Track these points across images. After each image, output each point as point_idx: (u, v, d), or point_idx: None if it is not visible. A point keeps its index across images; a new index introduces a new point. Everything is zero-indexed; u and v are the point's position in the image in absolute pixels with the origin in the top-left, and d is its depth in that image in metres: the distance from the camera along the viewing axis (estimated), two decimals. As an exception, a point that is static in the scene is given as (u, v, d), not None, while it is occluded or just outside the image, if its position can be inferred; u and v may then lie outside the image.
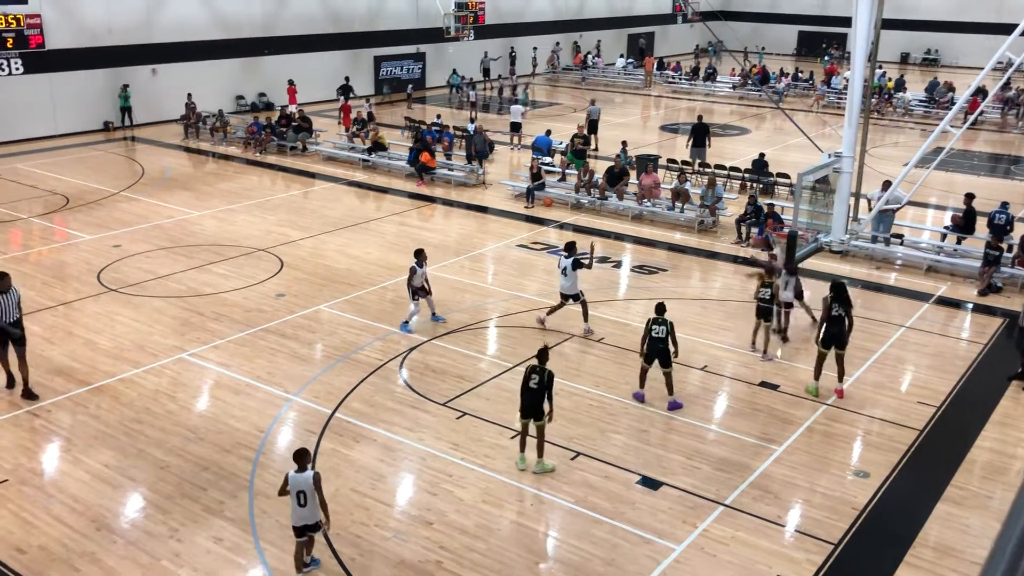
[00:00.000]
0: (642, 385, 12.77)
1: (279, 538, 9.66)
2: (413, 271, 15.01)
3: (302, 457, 8.79)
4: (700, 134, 26.97)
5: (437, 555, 9.43)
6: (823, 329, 12.90)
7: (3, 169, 26.16)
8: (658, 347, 12.37)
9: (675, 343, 12.45)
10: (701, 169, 25.01)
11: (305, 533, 8.90)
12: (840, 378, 13.07)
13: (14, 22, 28.35)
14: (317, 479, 8.73)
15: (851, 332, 12.94)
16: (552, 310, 15.21)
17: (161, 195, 23.76)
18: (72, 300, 16.35)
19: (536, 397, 10.74)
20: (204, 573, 9.12)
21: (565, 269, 14.72)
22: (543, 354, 11.07)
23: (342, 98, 33.77)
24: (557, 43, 49.64)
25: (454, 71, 41.84)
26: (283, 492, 8.90)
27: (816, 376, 13.10)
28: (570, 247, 15.01)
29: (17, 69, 28.82)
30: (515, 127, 30.78)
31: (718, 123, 36.52)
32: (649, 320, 12.51)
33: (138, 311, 15.89)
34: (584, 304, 14.99)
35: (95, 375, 13.43)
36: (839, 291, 12.89)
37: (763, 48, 54.61)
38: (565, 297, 14.92)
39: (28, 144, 29.30)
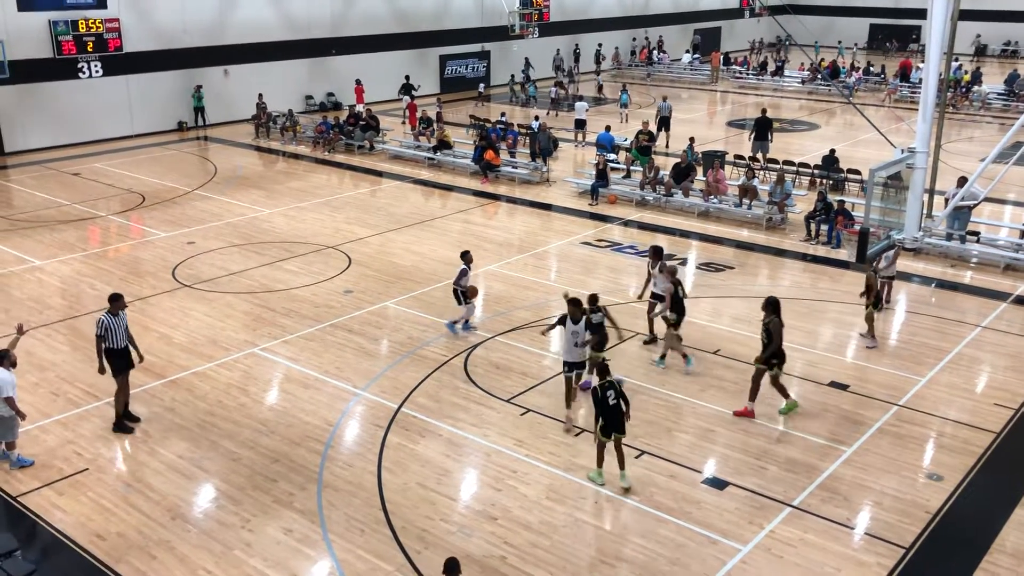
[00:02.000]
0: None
1: (347, 530, 9.83)
2: (464, 273, 14.85)
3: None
4: (763, 128, 26.69)
5: (501, 550, 9.49)
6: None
7: (83, 168, 27.07)
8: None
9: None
10: (764, 163, 24.64)
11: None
12: (751, 397, 12.23)
13: (95, 26, 29.28)
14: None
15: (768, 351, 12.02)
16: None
17: (233, 193, 24.32)
18: (148, 295, 16.84)
19: (618, 412, 10.42)
20: (274, 563, 9.33)
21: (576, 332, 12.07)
22: (605, 369, 10.60)
23: (406, 97, 34.11)
24: (634, 39, 49.22)
25: (526, 68, 42.07)
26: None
27: (751, 397, 12.25)
28: (593, 299, 12.84)
29: (97, 72, 29.77)
30: (579, 124, 30.73)
31: (787, 118, 35.91)
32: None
33: (211, 306, 16.30)
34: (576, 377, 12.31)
35: (170, 368, 13.82)
36: (772, 307, 12.05)
37: (853, 45, 53.52)
38: (569, 365, 12.17)
39: (106, 144, 30.25)
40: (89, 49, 29.34)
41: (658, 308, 14.16)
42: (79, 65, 29.28)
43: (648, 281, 14.54)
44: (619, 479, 10.58)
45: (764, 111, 27.74)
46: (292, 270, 18.19)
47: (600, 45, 47.90)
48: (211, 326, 15.43)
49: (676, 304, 13.63)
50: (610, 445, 10.62)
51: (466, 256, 15.10)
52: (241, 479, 10.86)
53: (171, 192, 24.36)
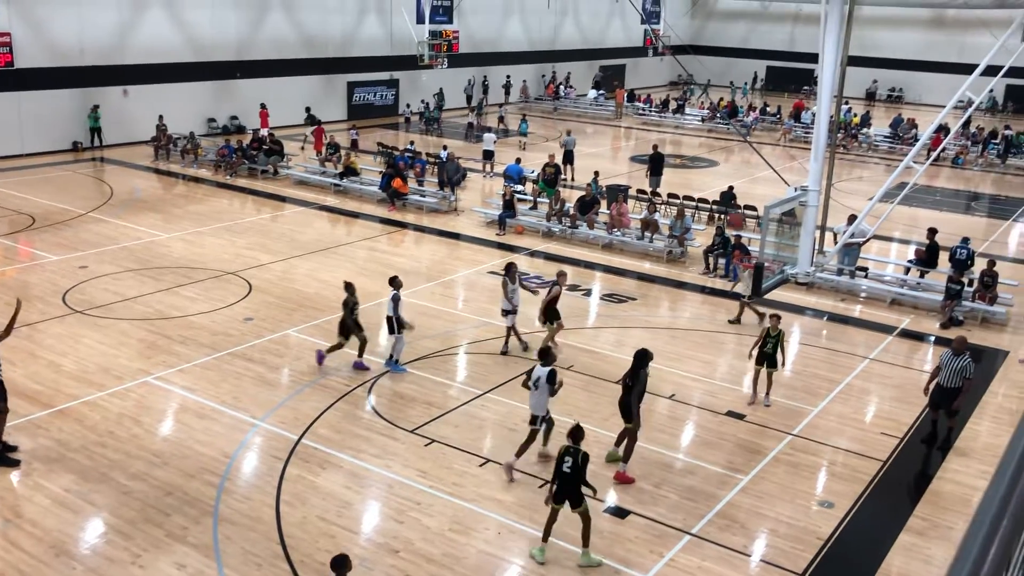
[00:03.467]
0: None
1: (243, 564, 9.54)
2: (397, 300, 14.39)
3: (339, 566, 8.01)
4: (657, 163, 27.66)
5: (403, 583, 9.36)
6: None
7: (-32, 187, 25.83)
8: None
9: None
10: (661, 197, 25.45)
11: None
12: (625, 459, 11.66)
13: (-17, 40, 28.12)
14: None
15: (635, 404, 11.52)
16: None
17: (130, 216, 23.57)
18: (36, 321, 16.13)
19: (570, 482, 9.67)
20: (166, 600, 8.98)
21: (538, 381, 11.55)
22: (577, 433, 9.76)
23: (310, 127, 33.76)
24: (543, 75, 50.11)
25: (437, 97, 42.39)
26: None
27: (617, 443, 11.99)
28: (544, 353, 11.92)
29: (-15, 87, 28.56)
30: (488, 155, 30.99)
31: (687, 155, 36.97)
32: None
33: (104, 333, 15.71)
34: (549, 428, 11.97)
35: (58, 398, 13.23)
36: (637, 359, 11.51)
37: (743, 84, 55.56)
38: (534, 419, 11.66)
39: (-6, 163, 28.99)
40: (-23, 63, 28.17)
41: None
42: (-34, 80, 28.07)
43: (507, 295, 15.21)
44: (579, 556, 9.82)
45: (655, 147, 28.72)
46: (190, 296, 17.70)
47: (508, 77, 48.55)
48: (103, 354, 14.86)
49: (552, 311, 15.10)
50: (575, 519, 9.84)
51: (395, 282, 14.65)
52: (132, 513, 10.44)
53: (64, 214, 23.45)
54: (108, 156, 31.27)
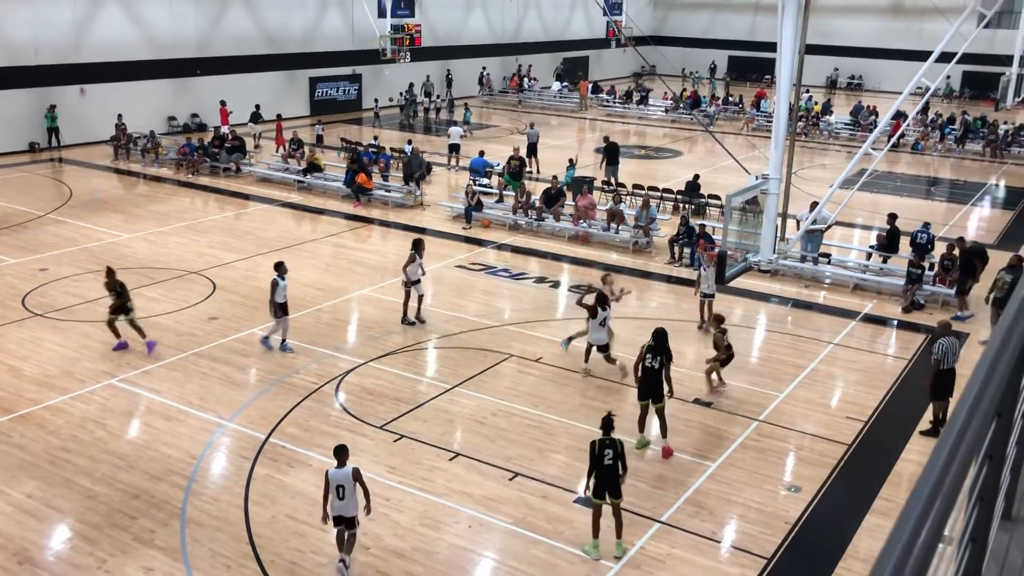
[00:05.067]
0: None
1: (211, 566, 9.47)
2: (276, 284, 14.68)
3: (341, 453, 9.29)
4: (612, 153, 27.80)
5: (374, 580, 9.34)
6: (638, 382, 12.04)
7: (-78, 191, 25.29)
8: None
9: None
10: (626, 188, 25.51)
11: (341, 524, 9.32)
12: (664, 433, 12.13)
13: (-66, 40, 27.53)
14: (357, 473, 9.24)
15: (671, 385, 12.05)
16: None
17: (90, 217, 23.23)
18: (-5, 326, 15.86)
19: (613, 473, 9.68)
20: (134, 605, 8.88)
21: (605, 320, 13.94)
22: (609, 423, 9.85)
23: (252, 124, 33.28)
24: (483, 68, 50.11)
25: (411, 87, 42.39)
26: (326, 493, 9.27)
27: (640, 428, 12.19)
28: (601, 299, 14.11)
29: (-63, 88, 27.96)
30: (453, 148, 30.91)
31: (651, 146, 37.13)
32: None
33: (65, 336, 15.47)
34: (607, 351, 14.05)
35: (19, 403, 13.01)
36: (657, 340, 11.89)
37: (709, 74, 55.86)
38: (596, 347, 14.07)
39: (-51, 165, 28.40)
40: (-71, 64, 27.57)
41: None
42: (-83, 81, 27.46)
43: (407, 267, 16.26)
44: (614, 548, 9.88)
45: (607, 138, 28.91)
46: (153, 297, 17.48)
47: (484, 68, 48.69)
48: (65, 357, 14.64)
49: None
50: (607, 510, 9.88)
51: (279, 267, 14.89)
52: (98, 517, 10.31)
53: (22, 216, 23.05)
54: (66, 156, 30.77)
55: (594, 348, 14.16)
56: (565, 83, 51.84)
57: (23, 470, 11.26)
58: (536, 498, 10.90)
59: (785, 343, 16.27)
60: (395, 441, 12.22)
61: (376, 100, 41.35)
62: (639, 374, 12.01)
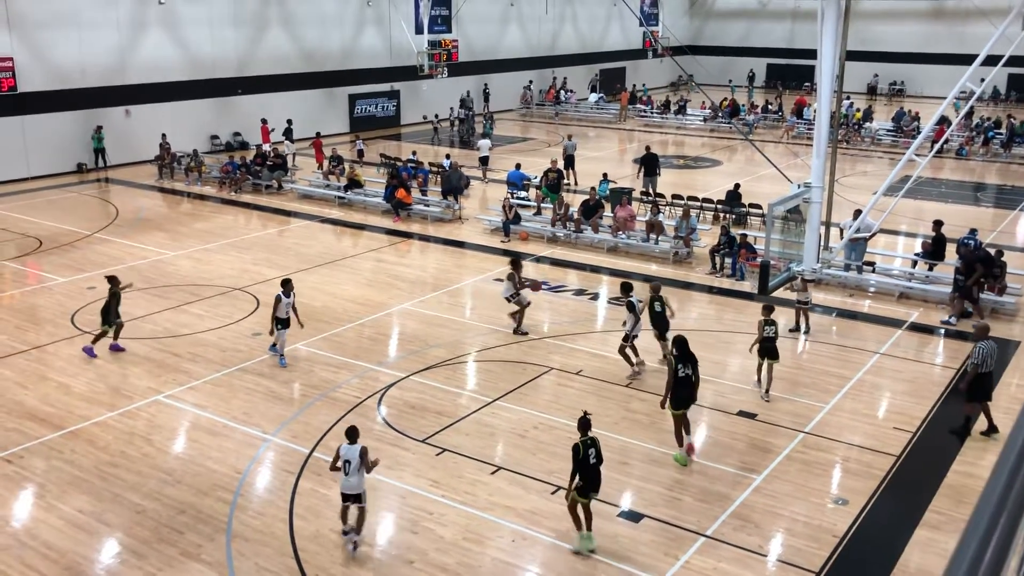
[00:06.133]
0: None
1: (258, 581, 9.54)
2: (279, 300, 14.89)
3: (352, 432, 10.10)
4: (651, 164, 27.64)
5: (419, 594, 9.34)
6: (672, 391, 12.01)
7: (-26, 213, 25.97)
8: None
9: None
10: (654, 196, 25.40)
11: (347, 500, 9.96)
12: (688, 430, 12.22)
13: (-14, 65, 28.31)
14: (364, 452, 9.94)
15: (698, 387, 12.24)
16: None
17: (136, 236, 23.66)
18: (46, 344, 16.18)
19: (596, 471, 9.95)
20: (182, 619, 8.98)
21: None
22: (586, 423, 10.13)
23: (287, 141, 33.42)
24: (530, 80, 50.31)
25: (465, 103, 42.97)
26: (334, 466, 10.06)
27: (679, 442, 12.15)
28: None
29: (-11, 112, 28.74)
30: (483, 161, 31.12)
31: (690, 155, 36.95)
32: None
33: (113, 353, 15.74)
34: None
35: (69, 419, 13.26)
36: (682, 348, 12.08)
37: (740, 82, 55.50)
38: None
39: (0, 187, 29.10)
40: (-19, 89, 28.34)
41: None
42: (-30, 106, 28.25)
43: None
44: (584, 539, 10.10)
45: (648, 148, 28.75)
46: (198, 313, 17.74)
47: (531, 81, 49.19)
48: (113, 374, 14.90)
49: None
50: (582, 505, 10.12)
51: (285, 284, 15.16)
52: (146, 532, 10.45)
53: (70, 236, 23.55)
54: (112, 176, 31.40)
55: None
56: (601, 94, 51.82)
57: (74, 485, 11.46)
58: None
59: (830, 353, 16.05)
60: (437, 455, 12.24)
61: (436, 115, 41.47)
62: (673, 388, 11.96)
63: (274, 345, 15.37)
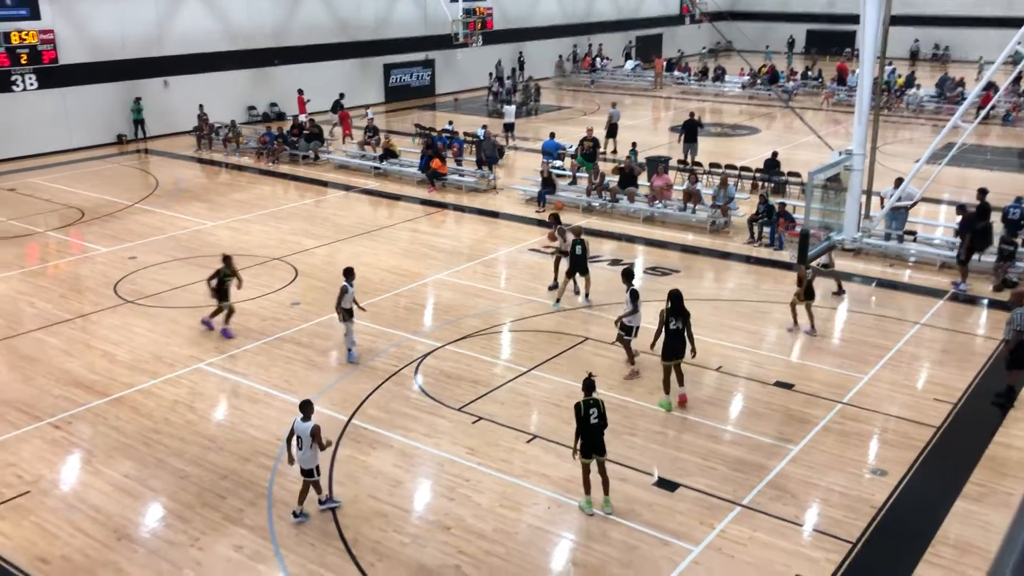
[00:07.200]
0: None
1: (298, 545, 9.74)
2: (345, 291, 14.10)
3: (306, 407, 10.12)
4: (692, 130, 27.41)
5: (456, 559, 9.48)
6: (662, 344, 12.53)
7: (18, 184, 26.42)
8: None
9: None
10: (692, 164, 25.15)
11: (302, 473, 10.12)
12: (681, 383, 12.67)
13: (28, 38, 28.65)
14: (316, 431, 9.96)
15: (693, 344, 12.59)
16: None
17: (175, 206, 23.95)
18: (90, 312, 16.50)
19: (599, 432, 10.14)
20: (225, 581, 9.20)
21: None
22: (591, 384, 10.28)
23: (332, 112, 33.53)
24: (574, 46, 49.80)
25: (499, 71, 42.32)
26: (289, 439, 10.23)
27: (666, 390, 12.68)
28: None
29: (31, 84, 29.12)
30: (508, 127, 31.02)
31: (728, 123, 36.49)
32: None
33: (155, 322, 16.02)
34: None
35: (114, 386, 13.55)
36: (676, 302, 12.44)
37: (779, 48, 54.51)
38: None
39: (43, 159, 29.56)
40: (23, 61, 28.72)
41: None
42: (12, 78, 28.63)
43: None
44: (603, 504, 10.29)
45: (692, 114, 28.37)
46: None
47: (576, 46, 48.95)
48: (155, 342, 15.17)
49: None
50: (593, 466, 10.29)
51: (348, 273, 14.36)
52: (189, 497, 10.69)
53: (111, 206, 23.90)
54: (152, 147, 31.75)
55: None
56: (638, 61, 51.24)
57: (119, 451, 11.73)
58: (614, 480, 10.86)
59: (869, 324, 15.87)
60: (473, 423, 12.34)
61: (491, 84, 41.06)
62: (661, 337, 12.55)
63: (350, 351, 14.36)
